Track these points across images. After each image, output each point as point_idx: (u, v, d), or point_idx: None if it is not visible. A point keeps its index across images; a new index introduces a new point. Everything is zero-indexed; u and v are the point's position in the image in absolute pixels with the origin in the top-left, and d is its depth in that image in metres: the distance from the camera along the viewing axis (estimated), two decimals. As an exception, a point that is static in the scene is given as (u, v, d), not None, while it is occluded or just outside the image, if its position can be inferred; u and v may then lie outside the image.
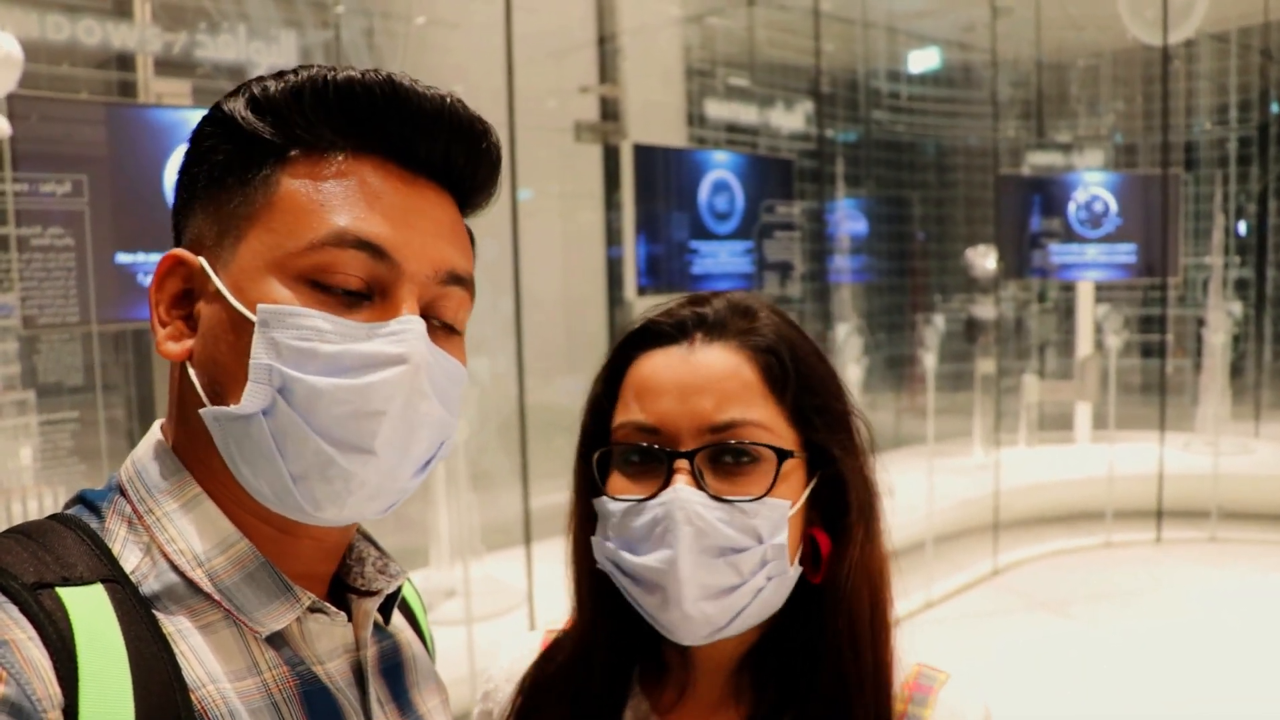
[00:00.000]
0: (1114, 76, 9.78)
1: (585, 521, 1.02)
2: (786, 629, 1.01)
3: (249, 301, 0.72)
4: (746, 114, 6.72)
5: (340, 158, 0.75)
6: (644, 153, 5.11)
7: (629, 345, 1.01)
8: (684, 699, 1.02)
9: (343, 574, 0.86)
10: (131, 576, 0.71)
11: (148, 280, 3.08)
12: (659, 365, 0.97)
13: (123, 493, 0.76)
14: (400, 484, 0.76)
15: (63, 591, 0.66)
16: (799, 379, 0.98)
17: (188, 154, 0.78)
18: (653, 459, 0.95)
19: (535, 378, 4.77)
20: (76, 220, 2.94)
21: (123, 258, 3.06)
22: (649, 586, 0.94)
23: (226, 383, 0.73)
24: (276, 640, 0.75)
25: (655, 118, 6.10)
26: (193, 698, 0.68)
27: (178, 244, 0.79)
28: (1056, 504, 7.25)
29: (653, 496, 0.93)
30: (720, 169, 5.43)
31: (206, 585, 0.72)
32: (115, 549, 0.72)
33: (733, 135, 6.72)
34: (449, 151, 0.79)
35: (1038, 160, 9.25)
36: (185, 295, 0.76)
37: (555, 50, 5.57)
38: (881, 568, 1.02)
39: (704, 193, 5.33)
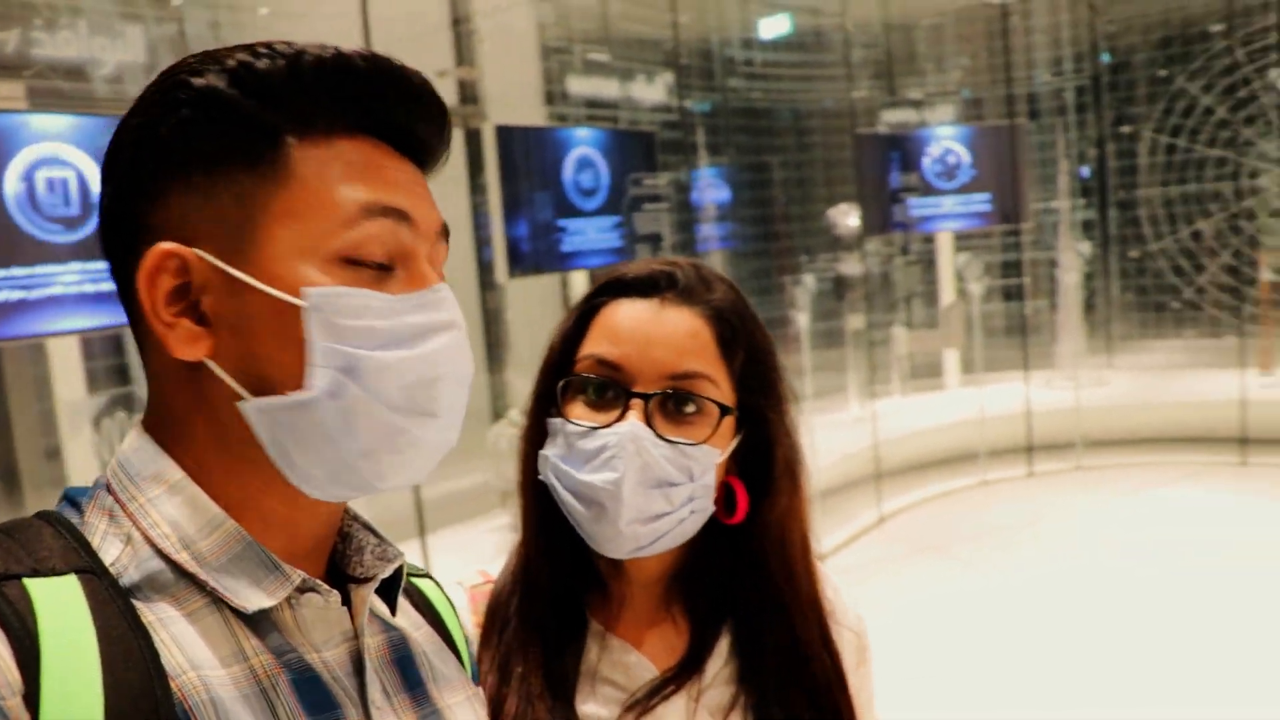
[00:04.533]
0: (958, 34, 10.08)
1: (537, 437, 1.14)
2: (707, 555, 1.16)
3: (289, 288, 0.71)
4: (606, 89, 6.74)
5: (341, 137, 0.75)
6: (506, 134, 5.08)
7: (602, 291, 1.14)
8: (624, 612, 1.16)
9: (343, 565, 0.85)
10: (111, 569, 0.70)
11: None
12: (631, 313, 1.10)
13: (108, 488, 0.75)
14: (452, 440, 0.80)
15: (30, 582, 0.66)
16: (747, 347, 1.13)
17: (149, 133, 0.72)
18: (612, 393, 1.08)
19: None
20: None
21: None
22: (588, 502, 1.06)
23: (273, 373, 0.72)
24: (266, 627, 0.74)
25: (515, 98, 6.07)
26: (172, 685, 0.67)
27: (119, 236, 0.75)
28: (933, 449, 7.51)
29: (608, 426, 1.06)
30: (583, 145, 5.44)
31: (192, 566, 0.71)
32: (95, 542, 0.71)
33: (593, 110, 6.73)
34: (429, 132, 0.80)
35: (892, 118, 9.50)
36: (179, 291, 0.73)
37: (409, 35, 5.49)
38: (807, 513, 1.20)
39: (568, 170, 5.34)
